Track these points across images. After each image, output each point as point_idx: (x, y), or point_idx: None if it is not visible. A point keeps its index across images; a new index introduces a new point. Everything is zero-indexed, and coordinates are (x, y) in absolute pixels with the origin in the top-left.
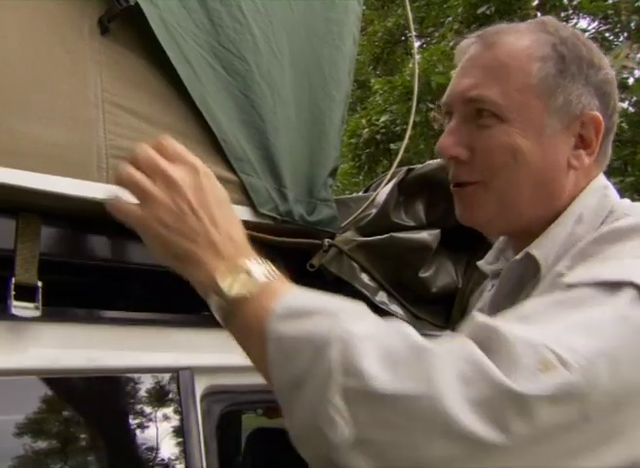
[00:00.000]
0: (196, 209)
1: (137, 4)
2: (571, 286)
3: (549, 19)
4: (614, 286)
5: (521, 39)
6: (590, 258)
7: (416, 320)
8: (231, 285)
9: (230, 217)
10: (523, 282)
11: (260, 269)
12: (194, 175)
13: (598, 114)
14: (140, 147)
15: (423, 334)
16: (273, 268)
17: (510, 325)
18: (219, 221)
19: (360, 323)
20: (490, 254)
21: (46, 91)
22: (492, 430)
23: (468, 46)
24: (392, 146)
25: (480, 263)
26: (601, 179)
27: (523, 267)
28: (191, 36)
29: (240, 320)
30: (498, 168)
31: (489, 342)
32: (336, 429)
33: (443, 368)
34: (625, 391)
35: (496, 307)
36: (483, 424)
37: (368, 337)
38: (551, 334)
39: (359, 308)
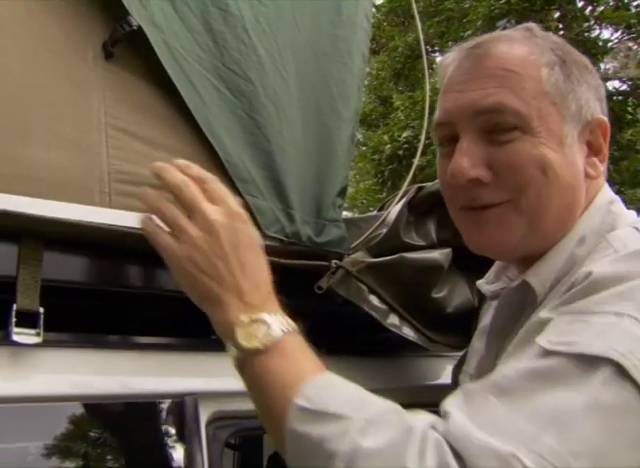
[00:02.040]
0: (228, 252)
1: (140, 28)
2: (548, 353)
3: (532, 25)
4: (591, 360)
5: (518, 47)
6: (573, 309)
7: (430, 343)
8: (247, 336)
9: (260, 263)
10: (522, 307)
11: (279, 323)
12: (231, 218)
13: (605, 118)
14: (183, 181)
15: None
16: (292, 323)
17: (476, 415)
18: (247, 267)
19: (371, 435)
20: (490, 273)
21: (49, 116)
22: None
23: (458, 59)
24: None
25: (479, 283)
26: (606, 193)
27: (520, 293)
28: (195, 58)
29: (251, 372)
30: (525, 184)
31: (461, 450)
32: None
33: None
34: None
35: (496, 331)
36: None
37: (370, 459)
38: (520, 435)
39: (378, 408)
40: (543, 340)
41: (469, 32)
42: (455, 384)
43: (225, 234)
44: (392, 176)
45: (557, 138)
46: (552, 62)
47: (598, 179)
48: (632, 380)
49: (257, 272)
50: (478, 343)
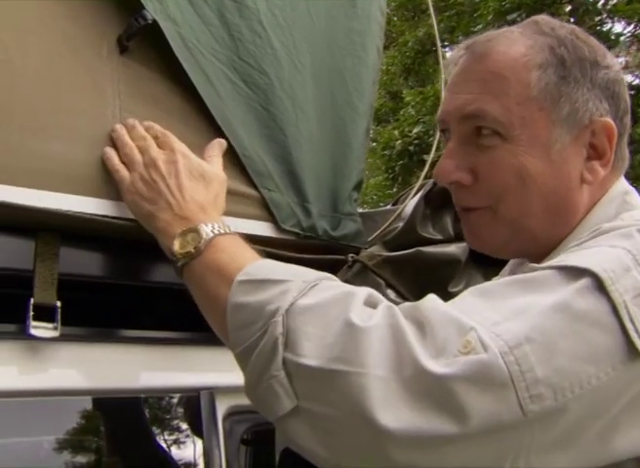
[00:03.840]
0: (166, 178)
1: (155, 21)
2: (536, 269)
3: (543, 17)
4: (573, 272)
5: (515, 46)
6: (574, 249)
7: None
8: (183, 245)
9: (203, 189)
10: None
11: (212, 227)
12: (170, 152)
13: (609, 120)
14: (136, 124)
15: None
16: (229, 227)
17: (451, 305)
18: (184, 189)
19: (312, 295)
20: (505, 270)
21: (64, 111)
22: (411, 417)
23: (458, 58)
24: (426, 157)
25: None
26: (620, 186)
27: None
28: (210, 51)
29: (191, 276)
30: (504, 192)
31: (420, 320)
32: (278, 399)
33: (372, 350)
34: (565, 381)
35: None
36: (403, 413)
37: (312, 312)
38: (485, 318)
39: (319, 275)
40: (537, 265)
41: (480, 27)
42: None
43: (164, 165)
44: (403, 172)
45: (543, 145)
46: (547, 63)
47: (603, 180)
48: (607, 296)
49: (194, 193)
50: None
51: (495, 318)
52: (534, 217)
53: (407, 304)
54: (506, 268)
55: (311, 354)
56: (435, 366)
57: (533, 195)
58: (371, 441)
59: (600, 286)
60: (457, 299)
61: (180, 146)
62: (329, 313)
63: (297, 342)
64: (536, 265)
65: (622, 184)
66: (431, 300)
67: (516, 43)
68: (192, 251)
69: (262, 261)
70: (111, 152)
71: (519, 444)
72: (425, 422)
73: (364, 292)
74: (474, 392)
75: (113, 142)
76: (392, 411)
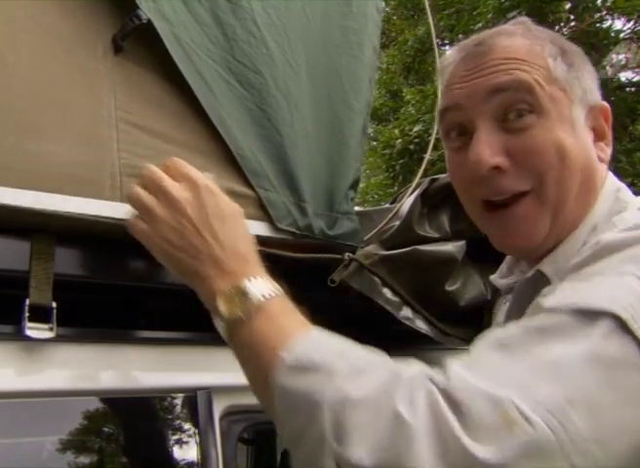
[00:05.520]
0: (198, 226)
1: (149, 21)
2: (550, 310)
3: (525, 19)
4: (591, 315)
5: (520, 39)
6: (578, 274)
7: (443, 336)
8: (229, 306)
9: (236, 232)
10: (536, 298)
11: (260, 289)
12: (195, 191)
13: (605, 103)
14: (148, 167)
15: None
16: (276, 286)
17: (476, 367)
18: (222, 237)
19: (357, 382)
20: (503, 267)
21: (60, 111)
22: None
23: (457, 58)
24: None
25: (493, 277)
26: (612, 181)
27: (535, 284)
28: (205, 51)
29: (238, 341)
30: (545, 170)
31: (457, 402)
32: None
33: (422, 446)
34: (612, 432)
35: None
36: None
37: (360, 404)
38: (518, 382)
39: (365, 357)
40: (546, 302)
41: (480, 25)
42: None
43: (191, 209)
44: (403, 171)
45: (569, 123)
46: (555, 53)
47: (605, 165)
48: (632, 335)
49: (232, 240)
50: None
51: (527, 381)
52: (570, 198)
53: (440, 383)
54: (503, 267)
55: (361, 449)
56: (486, 453)
57: (570, 171)
58: None
59: (623, 326)
60: (477, 357)
61: (202, 180)
62: (377, 404)
63: (346, 435)
64: (543, 300)
65: (613, 180)
66: (457, 376)
67: (520, 37)
68: (241, 316)
69: (310, 337)
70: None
71: None
72: None
73: (412, 373)
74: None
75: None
76: None
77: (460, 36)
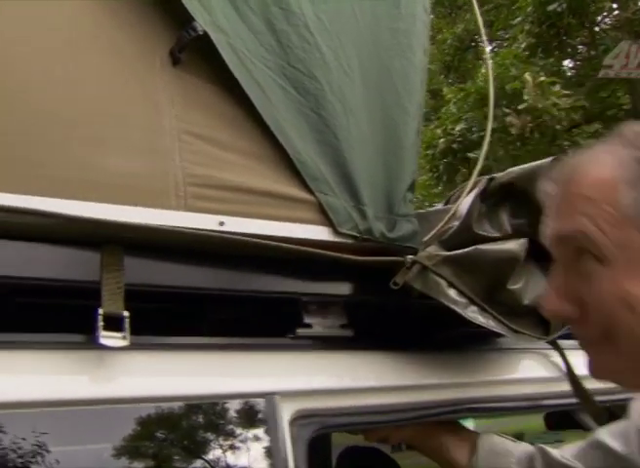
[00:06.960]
0: None
1: (205, 33)
2: None
3: (627, 126)
4: None
5: (600, 166)
6: None
7: (513, 333)
8: None
9: None
10: None
11: None
12: None
13: None
14: None
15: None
16: None
17: None
18: None
19: None
20: None
21: (122, 124)
22: None
23: (549, 183)
24: (470, 155)
25: None
26: None
27: None
28: (260, 59)
29: None
30: (615, 324)
31: None
32: None
33: None
34: None
35: None
36: None
37: None
38: None
39: None
40: None
41: (519, 19)
42: None
43: None
44: (447, 171)
45: None
46: (636, 179)
47: None
48: None
49: None
50: None
51: None
52: None
53: None
54: None
55: None
56: None
57: None
58: None
59: None
60: None
61: None
62: None
63: None
64: None
65: None
66: None
67: (602, 162)
68: None
69: None
70: None
71: None
72: None
73: None
74: None
75: None
76: None
77: (500, 32)
